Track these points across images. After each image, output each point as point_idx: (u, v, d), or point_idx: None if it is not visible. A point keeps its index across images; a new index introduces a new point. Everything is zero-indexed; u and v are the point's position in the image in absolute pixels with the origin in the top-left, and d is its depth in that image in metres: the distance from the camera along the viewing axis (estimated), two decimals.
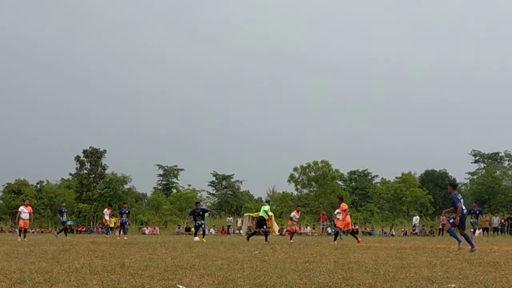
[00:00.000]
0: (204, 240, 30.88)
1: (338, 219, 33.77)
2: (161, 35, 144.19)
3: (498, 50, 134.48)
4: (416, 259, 15.28)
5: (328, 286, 9.04)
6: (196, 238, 31.75)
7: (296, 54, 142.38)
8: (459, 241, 20.31)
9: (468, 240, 19.92)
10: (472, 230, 34.11)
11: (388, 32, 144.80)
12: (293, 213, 34.35)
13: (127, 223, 42.06)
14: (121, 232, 40.64)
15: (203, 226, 33.18)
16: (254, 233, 33.91)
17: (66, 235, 40.58)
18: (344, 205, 30.38)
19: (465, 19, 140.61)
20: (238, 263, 13.92)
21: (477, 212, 35.99)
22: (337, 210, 34.16)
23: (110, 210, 48.58)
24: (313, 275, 10.76)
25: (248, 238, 32.39)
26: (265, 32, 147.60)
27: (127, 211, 41.57)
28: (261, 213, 31.50)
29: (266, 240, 30.22)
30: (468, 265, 13.27)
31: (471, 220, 34.61)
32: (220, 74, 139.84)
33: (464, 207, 20.31)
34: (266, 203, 32.74)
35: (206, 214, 34.35)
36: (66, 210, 43.27)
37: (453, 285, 9.22)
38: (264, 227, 30.91)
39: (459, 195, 20.48)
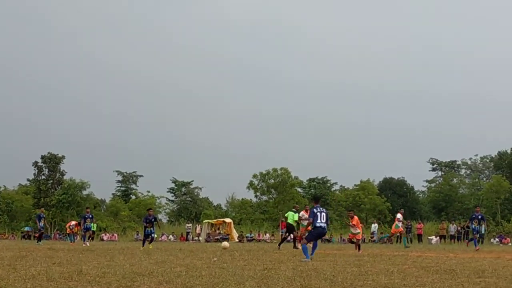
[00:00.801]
0: (151, 247, 30.64)
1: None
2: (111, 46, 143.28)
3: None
4: (374, 267, 15.38)
5: None
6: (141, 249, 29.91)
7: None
8: (307, 257, 18.72)
9: (304, 251, 19.01)
10: (472, 237, 33.29)
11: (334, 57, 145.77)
12: (302, 213, 31.69)
13: (91, 228, 40.85)
14: (87, 239, 39.03)
15: (153, 234, 33.02)
16: (284, 240, 32.94)
17: (39, 241, 39.88)
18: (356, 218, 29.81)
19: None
20: (196, 270, 13.89)
21: (479, 217, 32.61)
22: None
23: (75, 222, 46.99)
24: (272, 283, 10.78)
25: (279, 246, 31.56)
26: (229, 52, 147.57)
27: (90, 216, 40.07)
28: (289, 220, 31.17)
29: (294, 246, 30.10)
30: (425, 273, 13.40)
31: (473, 226, 32.10)
32: (173, 84, 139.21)
33: (321, 222, 18.95)
34: (294, 210, 31.99)
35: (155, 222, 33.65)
36: (44, 215, 42.43)
37: None
38: (294, 233, 30.93)
39: (320, 208, 19.24)
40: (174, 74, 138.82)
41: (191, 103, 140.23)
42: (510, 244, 54.21)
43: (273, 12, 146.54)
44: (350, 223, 28.67)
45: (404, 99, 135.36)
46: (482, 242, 50.21)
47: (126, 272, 12.77)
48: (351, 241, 29.49)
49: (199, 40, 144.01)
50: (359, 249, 27.78)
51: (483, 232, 55.80)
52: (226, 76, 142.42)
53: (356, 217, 29.17)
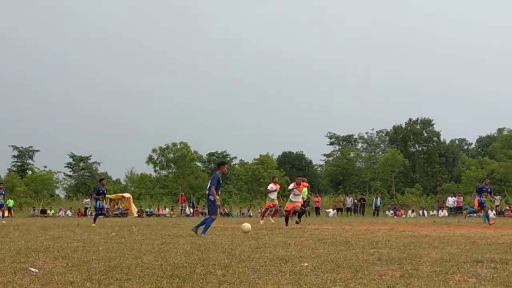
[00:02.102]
0: (94, 225, 27.36)
1: None
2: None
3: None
4: (271, 240, 15.54)
5: (184, 267, 9.07)
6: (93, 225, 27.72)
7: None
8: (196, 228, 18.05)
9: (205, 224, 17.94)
10: (476, 211, 31.96)
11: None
12: (271, 185, 30.81)
13: (3, 205, 38.62)
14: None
15: (104, 209, 30.86)
16: (303, 213, 29.81)
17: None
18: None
19: None
20: (93, 245, 13.77)
21: (489, 190, 31.20)
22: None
23: None
24: (169, 256, 10.78)
25: (297, 221, 28.42)
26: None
27: (3, 192, 38.03)
28: (303, 195, 27.80)
29: (299, 220, 28.44)
30: (321, 244, 13.64)
31: (483, 199, 30.30)
32: (64, 59, 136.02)
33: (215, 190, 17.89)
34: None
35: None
36: (4, 192, 39.62)
37: (306, 264, 9.43)
38: (303, 207, 28.34)
39: (218, 176, 18.03)
40: (66, 48, 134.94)
41: (85, 78, 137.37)
42: (403, 216, 55.64)
43: None
44: (297, 189, 25.95)
45: (303, 76, 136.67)
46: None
47: (21, 248, 12.54)
48: (289, 213, 26.46)
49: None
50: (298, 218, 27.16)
51: (498, 203, 56.67)
52: (120, 55, 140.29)
53: (306, 184, 28.18)
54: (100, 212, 30.04)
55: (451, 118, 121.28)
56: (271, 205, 30.86)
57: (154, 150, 77.21)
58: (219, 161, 33.37)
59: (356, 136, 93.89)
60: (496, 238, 16.19)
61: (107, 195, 62.79)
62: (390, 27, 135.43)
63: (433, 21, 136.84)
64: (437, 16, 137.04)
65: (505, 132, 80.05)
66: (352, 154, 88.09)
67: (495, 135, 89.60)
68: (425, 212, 58.33)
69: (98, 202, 29.57)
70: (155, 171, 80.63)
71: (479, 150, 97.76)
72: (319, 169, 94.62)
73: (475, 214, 31.17)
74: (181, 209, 63.57)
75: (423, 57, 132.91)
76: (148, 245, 13.61)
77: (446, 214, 54.36)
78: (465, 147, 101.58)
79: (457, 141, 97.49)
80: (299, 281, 7.55)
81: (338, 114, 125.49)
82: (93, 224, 27.53)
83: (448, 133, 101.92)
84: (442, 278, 7.88)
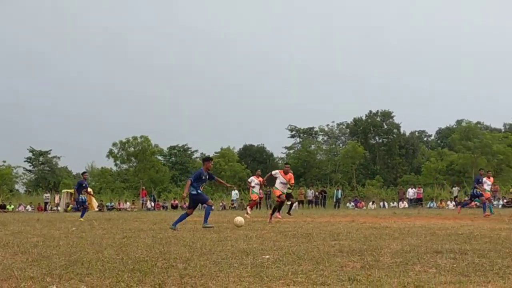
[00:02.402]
0: (82, 220, 26.60)
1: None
2: None
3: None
4: (233, 233, 15.55)
5: (145, 261, 9.04)
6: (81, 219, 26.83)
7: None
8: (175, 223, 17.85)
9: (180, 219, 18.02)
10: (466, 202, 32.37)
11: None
12: (252, 178, 30.86)
13: None
14: None
15: (85, 203, 29.31)
16: (291, 206, 29.52)
17: None
18: None
19: None
20: (54, 240, 13.68)
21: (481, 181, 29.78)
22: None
23: None
24: (130, 250, 10.75)
25: (289, 211, 28.73)
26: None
27: None
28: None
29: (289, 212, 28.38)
30: (282, 237, 13.68)
31: (478, 191, 29.52)
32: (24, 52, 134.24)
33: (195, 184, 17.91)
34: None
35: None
36: None
37: (267, 256, 9.46)
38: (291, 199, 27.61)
39: (201, 171, 18.08)
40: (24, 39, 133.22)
41: (44, 70, 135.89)
42: (364, 208, 56.03)
43: None
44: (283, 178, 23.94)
45: (264, 68, 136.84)
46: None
47: None
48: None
49: None
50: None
51: (456, 194, 57.62)
52: (80, 47, 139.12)
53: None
54: (82, 205, 29.04)
55: (411, 110, 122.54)
56: (254, 198, 30.63)
57: (114, 144, 76.82)
58: (204, 156, 33.07)
59: (316, 129, 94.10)
60: (455, 229, 16.38)
61: (67, 190, 62.61)
62: (349, 21, 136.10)
63: (391, 14, 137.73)
64: (398, 9, 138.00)
65: (463, 124, 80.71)
66: (313, 147, 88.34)
67: (454, 126, 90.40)
68: (386, 204, 58.68)
69: (80, 196, 28.78)
70: (116, 165, 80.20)
71: (439, 141, 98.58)
72: (280, 161, 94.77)
73: (487, 203, 30.20)
74: (142, 203, 63.34)
75: (381, 51, 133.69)
76: (109, 240, 13.55)
77: (407, 205, 54.81)
78: (425, 138, 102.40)
79: (416, 133, 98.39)
80: (261, 274, 7.57)
81: (299, 107, 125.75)
82: (81, 219, 26.81)
83: (408, 125, 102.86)
84: (403, 268, 7.96)
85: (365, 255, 9.52)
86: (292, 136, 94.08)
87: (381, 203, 59.13)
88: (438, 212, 35.59)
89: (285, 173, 23.75)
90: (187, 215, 18.04)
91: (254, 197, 30.61)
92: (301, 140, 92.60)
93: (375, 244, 11.46)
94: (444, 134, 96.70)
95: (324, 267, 8.12)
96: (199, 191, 17.93)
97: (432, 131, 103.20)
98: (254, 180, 30.39)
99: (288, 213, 28.51)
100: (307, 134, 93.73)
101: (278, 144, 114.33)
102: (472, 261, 8.64)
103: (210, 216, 18.58)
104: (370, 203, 59.04)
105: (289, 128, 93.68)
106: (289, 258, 9.23)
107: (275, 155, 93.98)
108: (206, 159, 18.83)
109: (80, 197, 28.85)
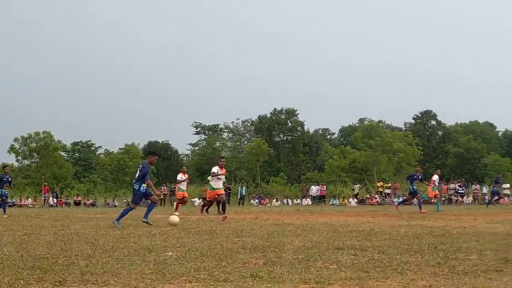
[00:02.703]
0: (6, 216, 25.84)
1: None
2: None
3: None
4: (136, 229, 15.48)
5: (46, 258, 8.92)
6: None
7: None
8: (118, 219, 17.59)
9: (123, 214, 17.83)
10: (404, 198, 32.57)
11: None
12: (180, 175, 30.35)
13: None
14: None
15: (6, 197, 28.70)
16: (210, 205, 28.72)
17: None
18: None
19: None
20: None
21: (420, 177, 30.19)
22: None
23: None
24: (31, 247, 10.58)
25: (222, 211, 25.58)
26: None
27: None
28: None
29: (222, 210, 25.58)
30: (186, 234, 13.69)
31: (415, 187, 29.76)
32: None
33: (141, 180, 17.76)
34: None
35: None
36: None
37: (170, 253, 9.46)
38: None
39: (146, 164, 17.97)
40: None
41: None
42: (268, 204, 56.29)
43: None
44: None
45: (174, 62, 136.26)
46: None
47: None
48: (210, 202, 26.05)
49: None
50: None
51: (357, 192, 58.22)
52: None
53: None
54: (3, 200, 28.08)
55: (315, 108, 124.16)
56: (179, 197, 30.18)
57: (16, 140, 75.14)
58: (149, 150, 32.35)
59: (221, 126, 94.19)
60: (356, 225, 16.71)
61: None
62: (258, 27, 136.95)
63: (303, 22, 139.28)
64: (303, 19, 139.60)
65: (366, 122, 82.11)
66: (218, 144, 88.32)
67: (357, 125, 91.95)
68: (289, 201, 59.21)
69: (2, 190, 27.71)
70: (17, 160, 78.48)
71: (342, 139, 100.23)
72: (185, 158, 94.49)
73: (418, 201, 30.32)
74: (44, 199, 62.21)
75: (277, 51, 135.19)
76: (9, 236, 13.30)
77: (310, 202, 55.38)
78: (328, 136, 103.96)
79: (320, 130, 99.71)
80: (163, 271, 7.57)
81: (204, 103, 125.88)
82: (5, 215, 25.87)
83: (312, 123, 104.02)
84: (304, 265, 8.08)
85: (267, 251, 9.63)
86: (197, 133, 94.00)
87: (285, 200, 59.60)
88: (340, 209, 36.23)
89: (221, 167, 24.23)
90: (130, 209, 17.80)
91: (180, 195, 30.05)
92: (206, 137, 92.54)
93: (277, 240, 11.59)
94: (347, 132, 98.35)
95: (227, 264, 8.17)
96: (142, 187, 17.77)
97: (335, 129, 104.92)
98: (183, 177, 29.95)
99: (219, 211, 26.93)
100: (212, 131, 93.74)
101: (183, 141, 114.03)
102: (372, 257, 8.84)
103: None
104: (274, 200, 59.27)
105: (194, 124, 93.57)
106: (192, 255, 9.25)
107: (180, 152, 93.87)
108: (151, 153, 19.08)
109: (2, 191, 27.78)
